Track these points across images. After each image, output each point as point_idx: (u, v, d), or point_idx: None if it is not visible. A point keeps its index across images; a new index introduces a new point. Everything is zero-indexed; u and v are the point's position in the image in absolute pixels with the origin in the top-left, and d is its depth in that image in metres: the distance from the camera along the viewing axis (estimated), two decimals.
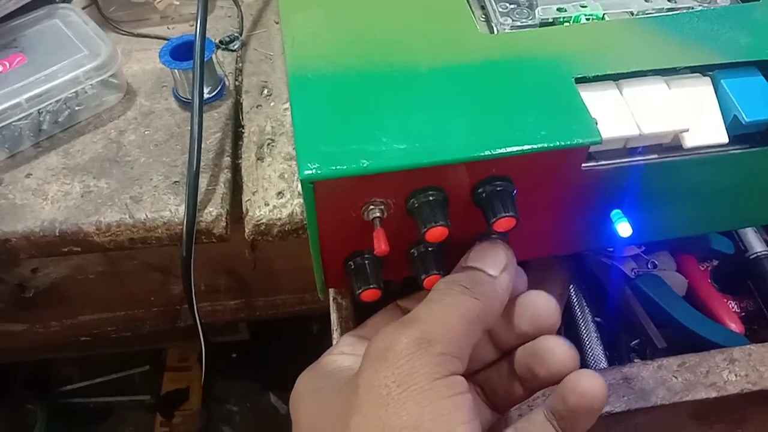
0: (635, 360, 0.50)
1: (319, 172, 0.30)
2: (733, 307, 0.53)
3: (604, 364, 0.48)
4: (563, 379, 0.30)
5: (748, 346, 0.43)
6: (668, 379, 0.41)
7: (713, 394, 0.41)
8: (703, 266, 0.54)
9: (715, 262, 0.54)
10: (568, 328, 0.51)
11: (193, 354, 1.13)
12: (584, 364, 0.49)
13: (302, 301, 0.64)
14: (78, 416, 1.14)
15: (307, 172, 0.30)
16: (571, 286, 0.52)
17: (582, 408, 0.29)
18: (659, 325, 0.48)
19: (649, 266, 0.50)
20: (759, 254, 0.52)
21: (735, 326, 0.50)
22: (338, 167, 0.30)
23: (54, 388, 1.15)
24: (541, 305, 0.34)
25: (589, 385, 0.29)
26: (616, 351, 0.50)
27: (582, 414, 0.29)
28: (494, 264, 0.32)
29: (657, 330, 0.47)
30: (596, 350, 0.49)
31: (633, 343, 0.51)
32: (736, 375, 0.42)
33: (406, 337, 0.28)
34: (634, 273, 0.49)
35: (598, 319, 0.51)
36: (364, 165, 0.30)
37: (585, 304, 0.51)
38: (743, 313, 0.53)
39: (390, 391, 0.27)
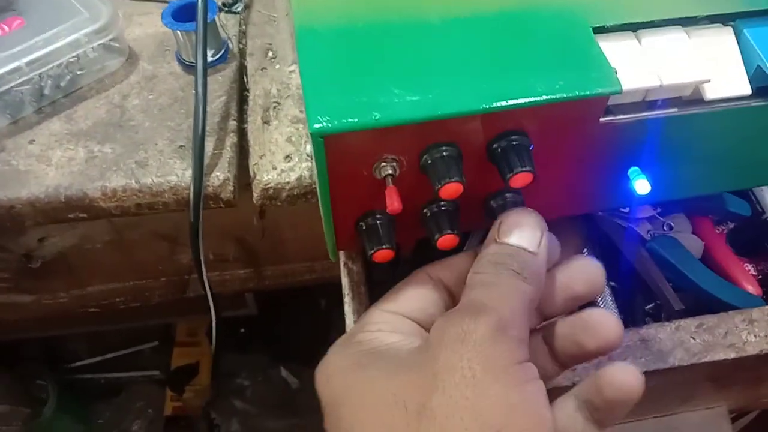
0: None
1: (329, 125, 0.29)
2: (750, 270, 0.52)
3: None
4: (599, 371, 0.30)
5: (767, 306, 0.42)
6: (686, 341, 0.41)
7: (732, 355, 0.40)
8: (719, 229, 0.53)
9: (732, 225, 0.53)
10: None
11: (202, 329, 1.13)
12: None
13: (312, 270, 0.64)
14: (89, 392, 1.15)
15: (317, 126, 0.29)
16: (585, 249, 0.51)
17: (619, 401, 0.29)
18: (676, 288, 0.47)
19: (665, 228, 0.49)
20: None
21: (752, 288, 0.49)
22: (349, 120, 0.29)
23: (64, 364, 1.15)
24: (592, 267, 0.34)
25: (628, 379, 0.29)
26: (630, 315, 0.49)
27: (618, 406, 0.29)
28: (533, 240, 0.31)
29: (674, 292, 0.46)
30: (612, 312, 0.48)
31: (648, 306, 0.50)
32: (755, 336, 0.41)
33: (485, 323, 0.28)
34: (650, 235, 0.48)
35: (612, 283, 0.50)
36: (376, 117, 0.29)
37: None
38: (760, 276, 0.52)
39: (475, 373, 0.27)
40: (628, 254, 0.48)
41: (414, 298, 0.34)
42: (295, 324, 1.11)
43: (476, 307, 0.29)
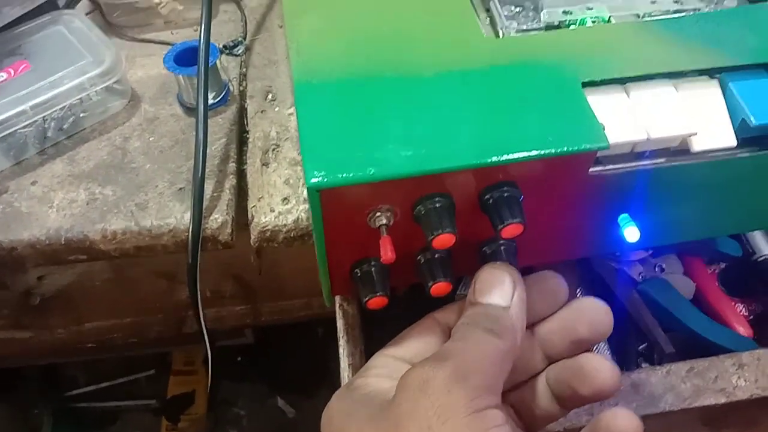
0: (643, 364, 0.49)
1: (325, 179, 0.30)
2: (741, 310, 0.52)
3: None
4: (599, 415, 0.30)
5: (757, 350, 0.43)
6: (677, 385, 0.41)
7: (722, 400, 0.41)
8: (710, 269, 0.54)
9: (723, 265, 0.54)
10: None
11: (199, 358, 1.13)
12: None
13: (308, 307, 0.64)
14: (85, 420, 1.14)
15: (313, 180, 0.30)
16: (578, 289, 0.51)
17: None
18: (667, 329, 0.48)
19: (656, 270, 0.50)
20: (767, 256, 0.52)
21: (743, 329, 0.50)
22: (344, 174, 0.30)
23: (61, 392, 1.15)
24: (598, 310, 0.34)
25: (626, 425, 0.30)
26: (623, 355, 0.50)
27: None
28: (505, 296, 0.32)
29: (665, 334, 0.46)
30: (604, 355, 0.49)
31: (641, 347, 0.51)
32: (745, 380, 0.41)
33: (443, 371, 0.28)
34: (642, 277, 0.49)
35: None
36: (371, 172, 0.30)
37: None
38: (751, 316, 0.52)
39: (431, 423, 0.27)
40: (620, 296, 0.48)
41: (418, 342, 0.35)
42: (292, 354, 1.11)
43: (440, 356, 0.29)
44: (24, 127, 0.48)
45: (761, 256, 0.52)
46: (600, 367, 0.32)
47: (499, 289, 0.32)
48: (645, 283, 0.48)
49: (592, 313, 0.34)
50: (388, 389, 0.32)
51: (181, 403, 1.10)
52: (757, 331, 0.51)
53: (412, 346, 0.34)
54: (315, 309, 0.64)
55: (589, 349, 0.34)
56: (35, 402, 1.09)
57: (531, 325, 0.35)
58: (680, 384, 0.41)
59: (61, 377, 1.17)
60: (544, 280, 0.35)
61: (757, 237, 0.53)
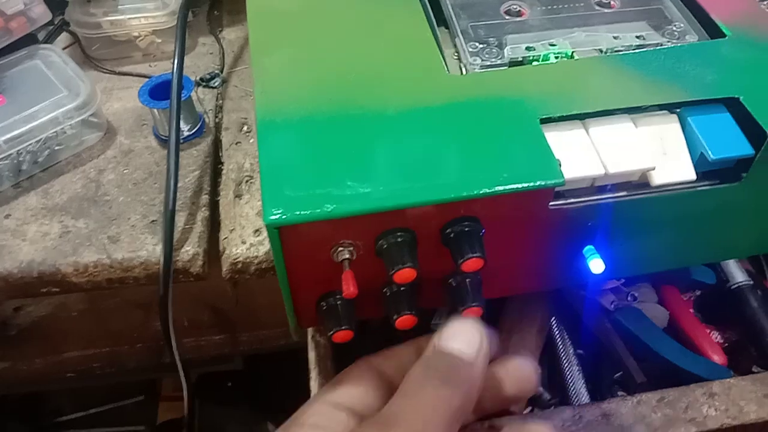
0: (618, 393, 0.49)
1: (283, 217, 0.30)
2: (716, 338, 0.52)
3: (585, 398, 0.48)
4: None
5: (728, 379, 0.43)
6: (647, 415, 0.41)
7: (693, 430, 0.41)
8: (685, 297, 0.54)
9: (698, 293, 0.54)
10: (551, 362, 0.51)
11: (188, 383, 1.12)
12: (566, 398, 0.49)
13: (286, 335, 0.64)
14: None
15: (271, 218, 0.30)
16: (553, 319, 0.51)
17: None
18: (640, 359, 0.47)
19: (629, 299, 0.50)
20: (740, 284, 0.52)
21: (717, 357, 0.50)
22: (302, 212, 0.30)
23: (46, 420, 1.13)
24: (525, 369, 0.34)
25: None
26: (597, 384, 0.50)
27: None
28: (470, 347, 0.31)
29: (636, 364, 0.46)
30: (578, 384, 0.49)
31: (616, 375, 0.51)
32: (716, 410, 0.41)
33: None
34: (614, 306, 0.49)
35: (580, 351, 0.51)
36: (329, 209, 0.30)
37: (567, 337, 0.51)
38: (726, 344, 0.52)
39: None
40: (593, 326, 0.49)
41: (356, 389, 0.34)
42: (282, 379, 1.10)
43: (387, 420, 0.28)
44: None
45: (735, 284, 0.52)
46: (521, 365, 0.33)
47: (467, 340, 0.31)
48: (617, 312, 0.48)
49: (519, 372, 0.34)
50: None
51: (171, 429, 1.09)
52: (731, 358, 0.51)
53: (351, 392, 0.33)
54: (293, 339, 0.64)
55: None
56: (20, 430, 1.07)
57: None
58: (651, 414, 0.41)
59: (47, 404, 1.15)
60: (516, 367, 0.35)
61: (730, 264, 0.53)
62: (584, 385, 0.49)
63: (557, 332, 0.52)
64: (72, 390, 1.12)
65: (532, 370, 0.34)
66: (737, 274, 0.53)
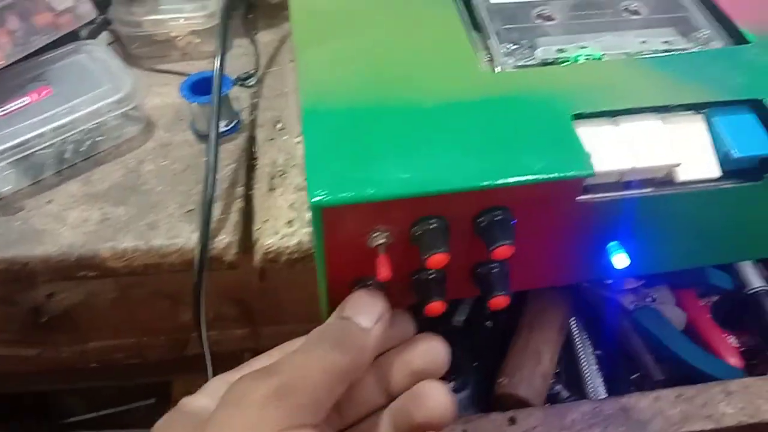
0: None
1: (327, 198, 0.31)
2: (732, 342, 0.53)
3: (603, 396, 0.49)
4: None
5: (745, 378, 0.44)
6: (665, 410, 0.42)
7: (710, 426, 0.42)
8: (703, 301, 0.55)
9: (715, 298, 0.55)
10: (569, 361, 0.52)
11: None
12: (584, 396, 0.50)
13: (308, 332, 0.65)
14: None
15: (315, 198, 0.31)
16: (573, 318, 0.53)
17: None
18: (658, 359, 0.49)
19: (648, 300, 0.51)
20: (757, 290, 0.53)
21: (734, 361, 0.51)
22: (345, 194, 0.31)
23: (59, 420, 1.15)
24: (435, 345, 0.35)
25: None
26: (616, 383, 0.51)
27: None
28: (368, 315, 0.33)
29: (655, 363, 0.47)
30: (596, 383, 0.50)
31: (633, 376, 0.52)
32: (733, 407, 0.42)
33: (264, 387, 0.28)
34: (634, 306, 0.50)
35: (598, 352, 0.52)
36: (370, 192, 0.32)
37: (585, 336, 0.52)
38: (743, 348, 0.53)
39: None
40: (612, 325, 0.50)
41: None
42: None
43: (267, 370, 0.29)
44: (43, 148, 0.50)
45: (752, 289, 0.54)
46: (433, 392, 0.32)
47: (366, 310, 0.33)
48: (636, 312, 0.50)
49: (427, 347, 0.35)
50: (206, 405, 0.32)
51: None
52: (748, 363, 0.52)
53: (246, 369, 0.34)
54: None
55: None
56: (34, 429, 1.08)
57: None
58: (669, 409, 0.42)
59: (60, 404, 1.16)
60: (425, 342, 0.35)
61: (747, 270, 0.54)
62: (602, 383, 0.50)
63: (576, 332, 0.53)
64: (86, 391, 1.13)
65: (442, 347, 0.35)
66: (754, 279, 0.54)
